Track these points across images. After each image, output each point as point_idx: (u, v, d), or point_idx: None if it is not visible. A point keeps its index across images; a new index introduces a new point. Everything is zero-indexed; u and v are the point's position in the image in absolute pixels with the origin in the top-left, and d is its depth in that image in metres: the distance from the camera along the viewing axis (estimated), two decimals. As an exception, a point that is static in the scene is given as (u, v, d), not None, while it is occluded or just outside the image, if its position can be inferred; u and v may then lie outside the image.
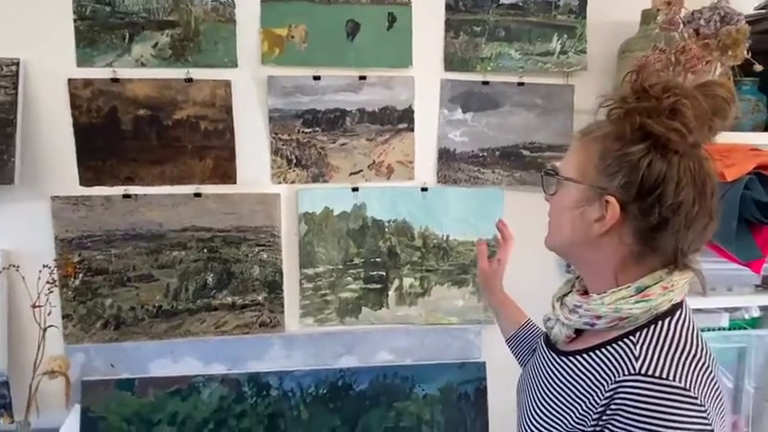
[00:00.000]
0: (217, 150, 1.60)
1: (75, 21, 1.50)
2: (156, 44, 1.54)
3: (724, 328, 1.43)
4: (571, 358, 0.86)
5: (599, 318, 0.81)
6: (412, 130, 1.68)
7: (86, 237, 1.57)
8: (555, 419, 0.83)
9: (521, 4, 1.67)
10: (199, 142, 1.59)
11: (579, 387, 0.81)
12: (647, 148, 0.77)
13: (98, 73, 1.52)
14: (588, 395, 0.78)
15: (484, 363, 1.76)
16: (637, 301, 0.79)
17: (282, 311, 1.68)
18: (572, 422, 0.80)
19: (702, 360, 0.75)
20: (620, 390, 0.73)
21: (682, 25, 1.37)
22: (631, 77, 0.83)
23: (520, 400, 1.01)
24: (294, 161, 1.64)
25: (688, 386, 0.70)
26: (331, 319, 1.71)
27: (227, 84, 1.58)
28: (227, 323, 1.67)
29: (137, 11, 1.52)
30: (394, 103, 1.66)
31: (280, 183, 1.64)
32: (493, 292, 1.26)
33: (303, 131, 1.63)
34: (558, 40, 1.69)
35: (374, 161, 1.68)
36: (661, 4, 1.44)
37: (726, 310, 1.43)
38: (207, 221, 1.62)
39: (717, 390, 0.75)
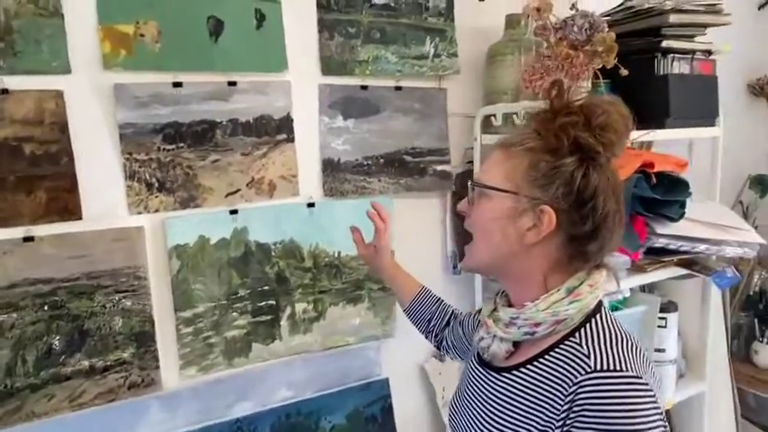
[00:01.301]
0: (51, 180, 1.26)
1: None
2: (-52, 44, 1.14)
3: (606, 312, 1.56)
4: (515, 372, 0.85)
5: (538, 325, 0.82)
6: (292, 140, 1.52)
7: None
8: None
9: (392, 4, 1.61)
10: (24, 171, 1.23)
11: (534, 398, 0.80)
12: (579, 161, 0.80)
13: None
14: (546, 403, 0.78)
15: (387, 379, 1.69)
16: (570, 302, 0.81)
17: (157, 366, 1.40)
18: None
19: (637, 346, 0.80)
20: (580, 390, 0.74)
21: (553, 32, 1.43)
22: (551, 94, 0.85)
23: (459, 426, 0.96)
24: (156, 185, 1.36)
25: (639, 374, 0.74)
26: (217, 363, 1.48)
27: (59, 94, 1.24)
28: (84, 393, 1.33)
29: None
30: (270, 111, 1.48)
31: (140, 213, 1.35)
32: (381, 270, 1.30)
33: (165, 149, 1.36)
34: (431, 43, 1.67)
35: (253, 178, 1.48)
36: (531, 11, 1.49)
37: (606, 295, 1.56)
38: (45, 271, 1.27)
39: (653, 371, 0.80)
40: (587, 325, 0.81)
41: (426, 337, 1.27)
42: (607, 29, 1.39)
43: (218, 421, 1.46)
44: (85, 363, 1.33)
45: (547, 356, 0.81)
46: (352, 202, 1.61)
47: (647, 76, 1.55)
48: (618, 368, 0.73)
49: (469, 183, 0.90)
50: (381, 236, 1.25)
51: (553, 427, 0.75)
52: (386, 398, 1.68)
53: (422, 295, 1.26)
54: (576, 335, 0.81)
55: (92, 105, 1.28)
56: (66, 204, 1.28)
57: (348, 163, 1.60)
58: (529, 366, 0.83)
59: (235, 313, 1.49)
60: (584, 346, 0.78)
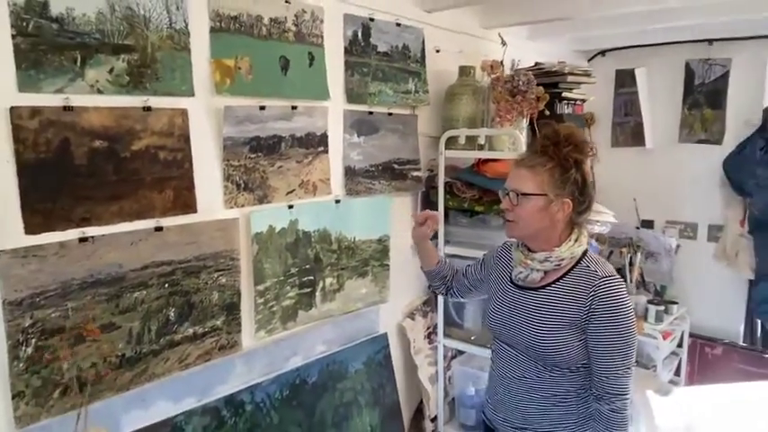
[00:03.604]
0: (176, 180, 1.56)
1: (13, 37, 1.24)
2: (112, 69, 1.40)
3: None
4: (549, 288, 1.43)
5: (562, 260, 1.42)
6: (327, 152, 1.98)
7: (39, 294, 1.32)
8: (558, 323, 1.38)
9: (389, 52, 2.16)
10: (158, 173, 1.52)
11: (567, 300, 1.39)
12: (576, 169, 1.41)
13: (47, 100, 1.30)
14: (576, 301, 1.37)
15: (386, 333, 2.22)
16: (578, 246, 1.43)
17: (239, 331, 1.75)
18: (570, 318, 1.38)
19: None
20: (596, 289, 1.35)
21: (503, 83, 2.14)
22: (549, 132, 1.44)
23: (508, 328, 1.48)
24: (242, 186, 1.73)
25: (619, 276, 1.40)
26: (277, 327, 1.87)
27: (184, 112, 1.56)
28: (189, 355, 1.64)
29: (89, 31, 1.36)
30: (314, 129, 1.92)
31: (232, 207, 1.70)
32: (422, 245, 1.73)
33: (249, 157, 1.73)
34: (412, 82, 2.26)
35: (303, 180, 1.90)
36: (487, 67, 2.18)
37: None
38: (168, 255, 1.56)
39: None
40: (585, 257, 1.42)
41: (438, 288, 1.77)
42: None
43: (282, 371, 1.85)
44: (190, 330, 1.64)
45: (567, 276, 1.41)
46: (363, 199, 2.12)
47: (551, 114, 2.35)
48: (611, 273, 1.38)
49: (510, 192, 1.42)
50: (435, 222, 1.69)
51: (582, 313, 1.37)
52: (386, 347, 2.21)
53: (442, 263, 1.76)
54: (581, 263, 1.41)
55: (205, 122, 1.61)
56: (185, 201, 1.58)
57: (360, 169, 2.11)
58: (557, 283, 1.42)
59: (288, 287, 1.90)
60: (591, 267, 1.40)
